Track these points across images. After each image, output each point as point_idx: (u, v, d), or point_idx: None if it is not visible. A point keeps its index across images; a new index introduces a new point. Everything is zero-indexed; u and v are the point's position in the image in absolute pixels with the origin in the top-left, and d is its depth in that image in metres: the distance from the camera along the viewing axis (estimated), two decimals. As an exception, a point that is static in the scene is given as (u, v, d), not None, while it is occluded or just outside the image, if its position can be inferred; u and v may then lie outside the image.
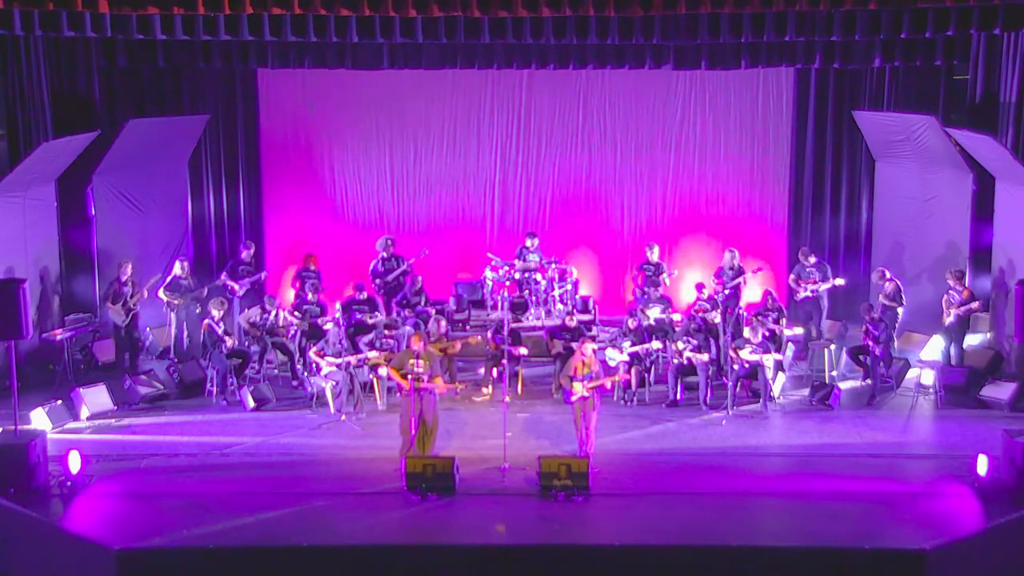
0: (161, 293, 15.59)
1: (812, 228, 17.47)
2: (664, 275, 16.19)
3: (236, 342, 14.51)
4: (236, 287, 16.07)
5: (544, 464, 11.21)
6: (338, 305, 14.92)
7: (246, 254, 16.40)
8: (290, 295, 16.32)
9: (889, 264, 15.92)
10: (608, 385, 12.26)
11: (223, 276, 16.17)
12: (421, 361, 11.80)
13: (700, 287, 15.37)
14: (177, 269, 15.76)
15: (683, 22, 14.37)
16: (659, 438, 12.91)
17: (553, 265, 16.74)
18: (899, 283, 15.26)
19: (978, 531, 10.49)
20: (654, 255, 16.44)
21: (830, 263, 16.56)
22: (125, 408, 13.81)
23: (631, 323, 14.49)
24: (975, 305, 14.74)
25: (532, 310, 16.49)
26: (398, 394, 12.41)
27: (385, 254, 16.46)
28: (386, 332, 14.79)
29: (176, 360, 15.15)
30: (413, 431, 11.71)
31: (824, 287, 15.74)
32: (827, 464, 12.00)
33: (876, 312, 14.58)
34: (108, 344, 15.48)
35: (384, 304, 15.97)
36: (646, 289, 15.93)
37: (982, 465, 11.11)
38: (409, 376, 11.73)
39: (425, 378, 11.77)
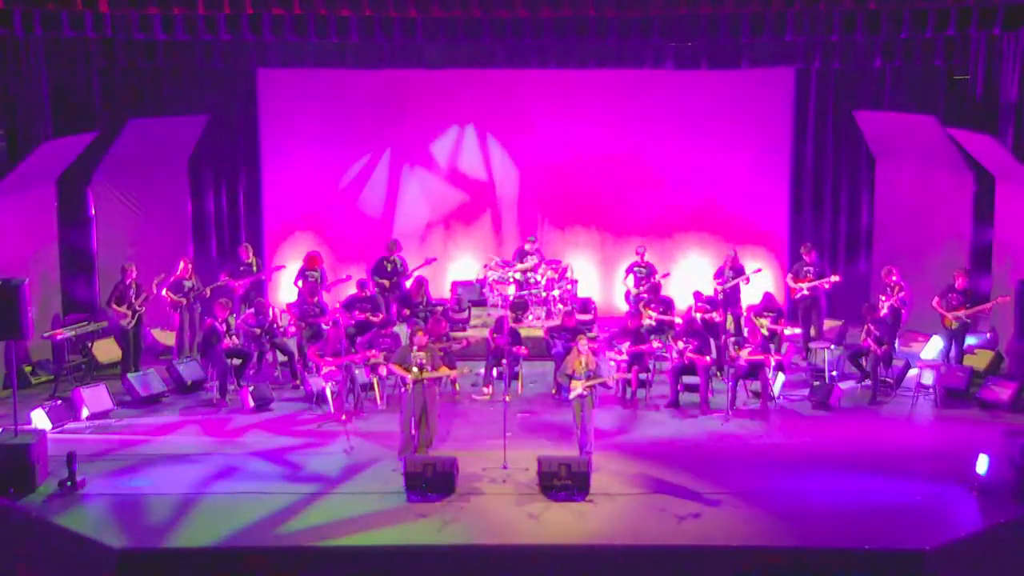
0: (165, 293, 15.59)
1: (812, 228, 17.46)
2: (656, 276, 16.17)
3: (236, 342, 14.49)
4: (237, 286, 16.07)
5: (544, 464, 11.21)
6: (338, 305, 14.90)
7: (246, 255, 16.41)
8: (291, 295, 16.32)
9: (889, 264, 15.90)
10: (610, 383, 12.24)
11: (223, 277, 16.18)
12: (423, 354, 11.96)
13: (697, 295, 15.32)
14: (180, 269, 15.78)
15: (683, 22, 14.39)
16: (659, 438, 12.92)
17: (553, 265, 16.73)
18: (903, 285, 15.23)
19: (978, 531, 10.50)
20: (643, 257, 16.43)
21: (830, 263, 16.54)
22: (125, 408, 13.81)
23: (631, 323, 14.49)
24: (987, 306, 14.69)
25: (532, 310, 16.50)
26: (401, 388, 12.49)
27: (387, 254, 16.45)
28: (381, 331, 14.77)
29: (178, 360, 15.15)
30: (414, 430, 11.79)
31: (821, 281, 15.67)
32: (827, 464, 12.01)
33: (878, 312, 14.54)
34: (108, 344, 15.46)
35: (385, 303, 15.99)
36: (640, 289, 15.94)
37: (982, 465, 11.11)
38: (412, 368, 11.89)
39: (429, 368, 11.91)
